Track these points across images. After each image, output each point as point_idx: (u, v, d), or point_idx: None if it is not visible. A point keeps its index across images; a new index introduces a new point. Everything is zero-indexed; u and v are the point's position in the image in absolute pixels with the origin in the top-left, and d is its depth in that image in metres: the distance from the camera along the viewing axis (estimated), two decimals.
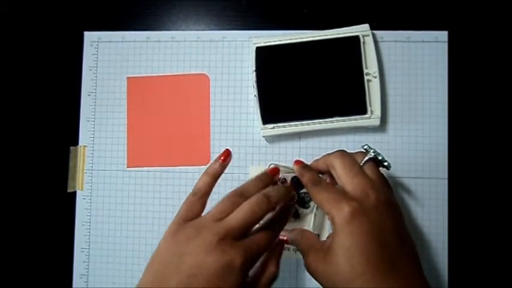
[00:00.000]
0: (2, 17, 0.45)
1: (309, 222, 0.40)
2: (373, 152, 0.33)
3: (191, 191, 0.33)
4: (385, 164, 0.34)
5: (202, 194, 0.32)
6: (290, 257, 0.41)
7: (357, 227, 0.28)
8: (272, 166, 0.37)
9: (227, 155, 0.34)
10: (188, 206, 0.32)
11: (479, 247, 0.39)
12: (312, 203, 0.40)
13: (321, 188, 0.32)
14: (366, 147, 0.34)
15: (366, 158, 0.33)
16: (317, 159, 0.36)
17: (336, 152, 0.34)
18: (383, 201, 0.30)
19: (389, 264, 0.28)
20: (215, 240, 0.28)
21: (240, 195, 0.31)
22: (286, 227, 0.39)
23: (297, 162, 0.36)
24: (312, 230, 0.39)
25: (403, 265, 0.28)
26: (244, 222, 0.29)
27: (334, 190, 0.31)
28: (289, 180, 0.40)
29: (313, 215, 0.40)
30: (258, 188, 0.32)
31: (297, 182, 0.39)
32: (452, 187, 0.40)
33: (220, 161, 0.34)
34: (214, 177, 0.33)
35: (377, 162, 0.34)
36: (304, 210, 0.40)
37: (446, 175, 0.41)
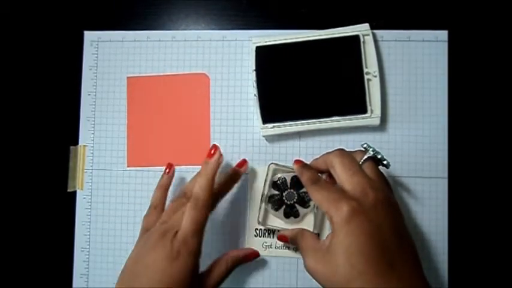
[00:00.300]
0: (2, 17, 0.45)
1: (309, 222, 0.40)
2: (372, 151, 0.33)
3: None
4: (385, 162, 0.34)
5: (155, 206, 0.38)
6: (290, 256, 0.41)
7: (355, 227, 0.28)
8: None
9: (170, 167, 0.40)
10: (146, 218, 0.38)
11: (479, 247, 0.39)
12: (312, 203, 0.40)
13: (320, 187, 0.32)
14: (365, 145, 0.34)
15: (365, 157, 0.33)
16: (316, 159, 0.36)
17: (335, 150, 0.34)
18: (382, 200, 0.30)
19: (389, 264, 0.28)
20: (159, 238, 0.32)
21: (182, 196, 0.36)
22: (286, 226, 0.39)
23: (297, 161, 0.36)
24: (312, 230, 0.39)
25: (403, 264, 0.28)
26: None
27: (333, 189, 0.31)
28: (289, 179, 0.40)
29: (313, 215, 0.40)
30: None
31: (297, 182, 0.40)
32: (452, 187, 0.40)
33: (165, 174, 0.40)
34: (164, 189, 0.39)
35: (376, 161, 0.34)
36: (304, 209, 0.40)
37: (446, 174, 0.41)
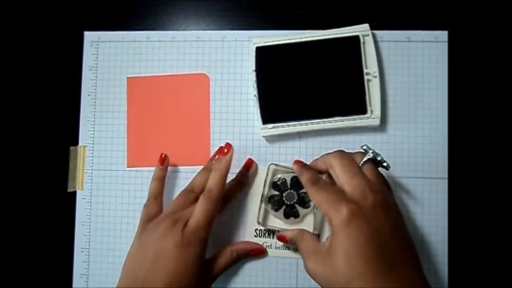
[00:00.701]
0: (2, 17, 0.45)
1: (309, 223, 0.40)
2: (372, 153, 0.33)
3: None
4: (384, 164, 0.34)
5: (155, 197, 0.39)
6: (290, 256, 0.41)
7: (354, 229, 0.28)
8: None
9: (163, 160, 0.41)
10: (147, 209, 0.38)
11: (479, 247, 0.39)
12: (312, 203, 0.40)
13: (320, 188, 0.33)
14: (365, 147, 0.34)
15: (365, 159, 0.33)
16: (316, 159, 0.36)
17: (335, 152, 0.34)
18: (381, 203, 0.30)
19: (389, 265, 0.28)
20: (169, 227, 0.33)
21: (190, 191, 0.38)
22: (286, 227, 0.39)
23: (297, 162, 0.36)
24: (312, 231, 0.39)
25: (403, 265, 0.28)
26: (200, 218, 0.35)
27: (333, 190, 0.32)
28: (289, 180, 0.40)
29: (313, 215, 0.40)
30: (205, 179, 0.37)
31: (296, 182, 0.40)
32: (452, 187, 0.40)
33: (160, 166, 0.41)
34: (161, 180, 0.40)
35: (376, 162, 0.34)
36: (304, 210, 0.40)
37: (446, 175, 0.41)
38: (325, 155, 0.35)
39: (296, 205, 0.40)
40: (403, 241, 0.30)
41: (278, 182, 0.40)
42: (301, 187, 0.39)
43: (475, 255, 0.39)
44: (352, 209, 0.29)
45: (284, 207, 0.40)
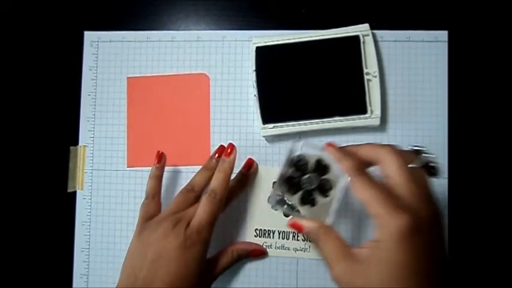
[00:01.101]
0: (2, 17, 0.45)
1: (325, 213, 0.33)
2: (428, 156, 0.30)
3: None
4: (434, 171, 0.30)
5: (153, 195, 0.39)
6: (290, 256, 0.41)
7: (414, 244, 0.25)
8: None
9: (160, 157, 0.40)
10: (145, 208, 0.38)
11: (479, 247, 0.39)
12: (331, 192, 0.34)
13: (368, 183, 0.27)
14: (419, 148, 0.31)
15: (421, 164, 0.30)
16: (357, 145, 0.31)
17: (387, 146, 0.29)
18: (436, 214, 0.27)
19: (437, 281, 0.26)
20: (170, 227, 0.33)
21: (190, 190, 0.37)
22: (300, 214, 0.34)
23: (331, 144, 0.31)
24: (327, 223, 0.32)
25: (436, 279, 0.27)
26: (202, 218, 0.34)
27: (384, 189, 0.27)
28: (313, 162, 0.34)
29: (332, 206, 0.33)
30: (205, 178, 0.38)
31: (319, 166, 0.34)
32: (452, 187, 0.40)
33: (156, 164, 0.40)
34: (158, 179, 0.40)
35: (427, 167, 0.30)
36: (323, 199, 0.34)
37: (446, 175, 0.41)
38: (370, 144, 0.30)
39: (314, 192, 0.34)
40: (442, 256, 0.28)
41: (300, 163, 0.34)
42: (325, 173, 0.34)
43: (475, 255, 0.39)
44: (412, 219, 0.25)
45: (301, 192, 0.34)
